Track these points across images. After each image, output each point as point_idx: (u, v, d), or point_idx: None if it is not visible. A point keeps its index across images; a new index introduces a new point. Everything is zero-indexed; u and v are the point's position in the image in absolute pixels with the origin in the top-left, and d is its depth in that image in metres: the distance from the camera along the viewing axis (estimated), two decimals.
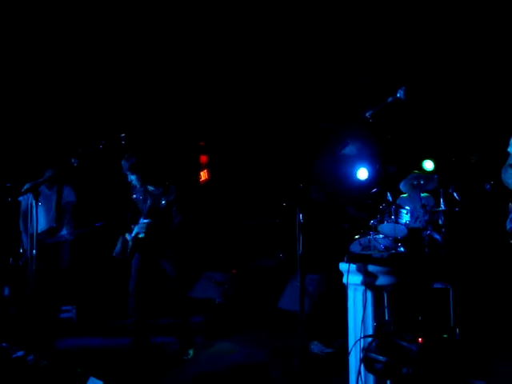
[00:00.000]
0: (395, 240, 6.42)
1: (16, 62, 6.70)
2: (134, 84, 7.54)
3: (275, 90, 7.85)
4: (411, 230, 6.52)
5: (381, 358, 2.09)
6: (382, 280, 2.52)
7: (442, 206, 6.56)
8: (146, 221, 5.21)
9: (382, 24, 6.17)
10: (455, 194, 6.66)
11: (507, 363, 4.30)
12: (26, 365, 4.62)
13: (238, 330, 6.70)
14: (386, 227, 6.46)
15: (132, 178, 5.38)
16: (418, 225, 6.60)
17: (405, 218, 6.54)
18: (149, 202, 5.30)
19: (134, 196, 5.46)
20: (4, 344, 5.80)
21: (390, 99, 3.41)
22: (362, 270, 2.51)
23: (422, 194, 6.76)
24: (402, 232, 6.45)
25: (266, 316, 7.11)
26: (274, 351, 5.55)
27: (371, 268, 2.51)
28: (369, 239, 6.45)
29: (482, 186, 6.19)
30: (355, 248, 6.39)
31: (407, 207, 6.55)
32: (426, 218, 6.49)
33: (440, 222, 6.57)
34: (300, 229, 2.83)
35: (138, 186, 5.42)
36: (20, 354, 5.00)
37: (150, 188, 5.36)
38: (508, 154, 3.72)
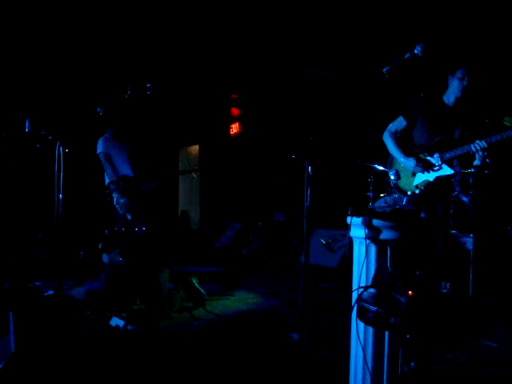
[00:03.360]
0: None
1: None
2: (165, 35, 7.56)
3: (304, 45, 7.76)
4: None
5: (371, 307, 2.17)
6: (385, 234, 2.57)
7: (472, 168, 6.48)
8: None
9: None
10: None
11: None
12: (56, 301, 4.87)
13: (258, 280, 6.87)
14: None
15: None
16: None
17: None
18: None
19: None
20: (37, 283, 6.10)
21: (407, 55, 3.39)
22: (367, 224, 2.57)
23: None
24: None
25: (288, 268, 7.25)
26: (290, 299, 5.68)
27: (375, 222, 2.56)
28: (393, 198, 6.44)
29: None
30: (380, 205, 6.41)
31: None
32: (455, 179, 6.43)
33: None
34: (308, 181, 2.89)
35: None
36: (50, 292, 5.26)
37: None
38: None
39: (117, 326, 4.57)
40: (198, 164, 11.64)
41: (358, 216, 2.55)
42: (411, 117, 4.52)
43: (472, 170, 6.39)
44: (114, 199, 5.42)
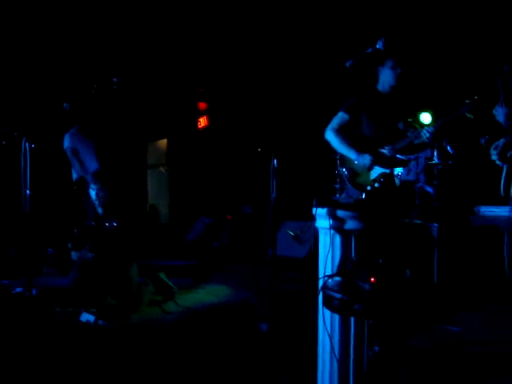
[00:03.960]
0: None
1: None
2: (132, 26, 7.51)
3: (273, 38, 7.81)
4: (403, 183, 6.61)
5: (336, 295, 2.24)
6: (349, 224, 2.65)
7: (435, 159, 6.64)
8: None
9: None
10: (449, 148, 6.71)
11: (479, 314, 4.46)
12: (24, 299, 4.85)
13: (228, 272, 6.92)
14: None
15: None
16: (410, 177, 6.69)
17: (397, 169, 6.61)
18: None
19: None
20: (5, 281, 6.04)
21: (369, 50, 3.48)
22: (331, 215, 2.63)
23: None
24: None
25: (258, 260, 7.31)
26: (259, 290, 5.74)
27: (339, 213, 2.63)
28: (351, 195, 6.57)
29: (477, 140, 6.25)
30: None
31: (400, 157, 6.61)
32: (419, 170, 6.58)
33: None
34: (274, 174, 2.95)
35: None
36: (19, 290, 5.22)
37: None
38: None
39: (87, 322, 4.57)
40: (166, 158, 11.61)
41: (322, 207, 2.62)
42: (353, 112, 4.46)
43: (436, 160, 6.58)
44: (93, 191, 5.39)
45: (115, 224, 5.35)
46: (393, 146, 4.29)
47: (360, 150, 4.36)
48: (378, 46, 3.46)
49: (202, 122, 10.31)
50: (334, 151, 4.63)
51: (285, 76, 8.16)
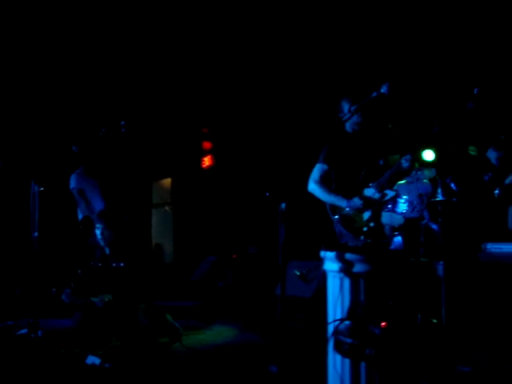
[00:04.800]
0: (392, 228, 6.52)
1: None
2: (136, 70, 7.64)
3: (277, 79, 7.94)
4: (408, 220, 6.62)
5: (347, 339, 2.24)
6: (358, 267, 2.66)
7: (439, 196, 6.65)
8: None
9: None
10: (452, 185, 6.73)
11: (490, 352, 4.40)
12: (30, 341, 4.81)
13: (234, 313, 6.87)
14: (383, 216, 6.54)
15: None
16: (414, 214, 6.69)
17: (402, 207, 6.63)
18: None
19: None
20: (10, 322, 6.01)
21: (374, 94, 3.56)
22: (340, 258, 2.65)
23: (419, 182, 6.85)
24: (398, 220, 6.54)
25: (264, 300, 7.26)
26: (266, 331, 5.69)
27: (348, 256, 2.64)
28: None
29: (481, 176, 6.28)
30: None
31: (405, 196, 6.63)
32: (423, 207, 6.59)
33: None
34: (282, 219, 2.97)
35: None
36: (24, 331, 5.19)
37: None
38: None
39: (93, 364, 4.53)
40: (170, 197, 11.65)
41: (331, 250, 2.63)
42: (330, 160, 4.55)
43: (440, 197, 6.60)
44: (98, 231, 5.41)
45: (122, 264, 5.35)
46: (376, 181, 4.36)
47: (347, 196, 4.42)
48: (382, 91, 3.53)
49: (207, 161, 10.38)
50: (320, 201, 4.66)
51: (291, 118, 8.28)
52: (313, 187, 4.61)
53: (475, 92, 3.29)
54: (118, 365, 4.56)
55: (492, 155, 3.12)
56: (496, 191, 3.14)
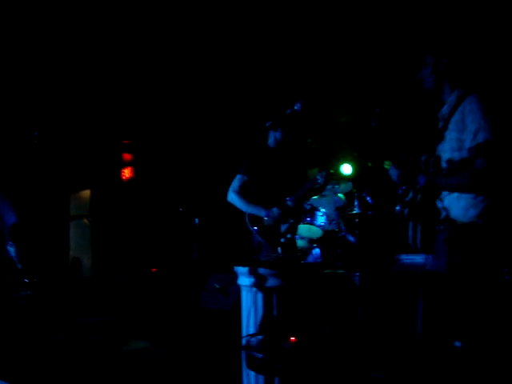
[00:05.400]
0: (310, 240, 6.65)
1: None
2: (57, 78, 7.42)
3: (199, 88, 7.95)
4: (326, 232, 6.77)
5: (258, 354, 2.25)
6: (271, 282, 2.68)
7: (356, 209, 6.83)
8: None
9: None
10: (368, 198, 6.94)
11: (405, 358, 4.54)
12: None
13: (152, 328, 6.76)
14: (301, 228, 6.66)
15: None
16: (332, 227, 6.85)
17: (320, 219, 6.77)
18: None
19: None
20: None
21: (288, 111, 3.65)
22: (253, 273, 2.66)
23: (341, 195, 7.05)
24: (317, 233, 6.67)
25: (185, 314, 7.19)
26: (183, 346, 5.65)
27: (261, 271, 2.66)
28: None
29: (396, 190, 6.51)
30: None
31: (322, 209, 6.78)
32: (340, 220, 6.76)
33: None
34: (195, 232, 2.95)
35: None
36: None
37: None
38: None
39: None
40: (89, 209, 11.35)
41: (243, 265, 2.64)
42: (250, 172, 4.69)
43: (356, 210, 6.78)
44: (11, 248, 5.20)
45: (35, 280, 5.16)
46: (294, 195, 4.53)
47: (266, 206, 4.54)
48: (295, 108, 3.63)
49: (127, 173, 10.21)
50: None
51: (210, 132, 8.30)
52: (232, 197, 4.70)
53: (377, 111, 3.45)
54: None
55: (393, 173, 3.26)
56: (397, 207, 3.28)
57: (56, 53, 6.82)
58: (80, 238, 11.63)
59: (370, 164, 8.13)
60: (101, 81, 7.76)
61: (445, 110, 3.19)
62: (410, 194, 3.19)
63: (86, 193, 11.47)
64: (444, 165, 3.06)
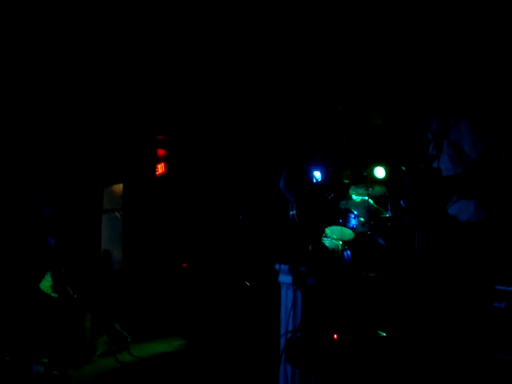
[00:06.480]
0: (342, 242, 6.65)
1: None
2: (93, 74, 7.53)
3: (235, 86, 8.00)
4: (358, 234, 6.76)
5: (299, 350, 2.28)
6: (311, 280, 2.72)
7: (388, 212, 6.81)
8: None
9: None
10: (401, 202, 6.90)
11: None
12: None
13: (184, 322, 6.83)
14: (334, 230, 6.67)
15: None
16: (364, 229, 6.84)
17: (352, 221, 6.77)
18: None
19: None
20: None
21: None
22: (294, 271, 2.70)
23: (370, 200, 7.03)
24: (349, 235, 6.67)
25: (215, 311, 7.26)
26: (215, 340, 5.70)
27: (302, 269, 2.70)
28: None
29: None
30: None
31: (355, 212, 6.78)
32: (371, 222, 6.75)
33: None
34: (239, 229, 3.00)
35: None
36: None
37: None
38: None
39: (38, 372, 4.44)
40: (122, 203, 11.48)
41: (285, 263, 2.68)
42: None
43: (389, 214, 6.76)
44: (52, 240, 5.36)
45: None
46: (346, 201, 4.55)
47: None
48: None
49: (160, 168, 10.32)
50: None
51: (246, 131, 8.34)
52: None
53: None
54: (64, 372, 4.49)
55: (407, 181, 3.27)
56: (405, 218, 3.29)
57: (95, 49, 6.93)
58: (111, 231, 11.79)
59: (403, 168, 8.11)
60: (138, 77, 7.86)
61: None
62: None
63: (119, 187, 11.62)
64: None
